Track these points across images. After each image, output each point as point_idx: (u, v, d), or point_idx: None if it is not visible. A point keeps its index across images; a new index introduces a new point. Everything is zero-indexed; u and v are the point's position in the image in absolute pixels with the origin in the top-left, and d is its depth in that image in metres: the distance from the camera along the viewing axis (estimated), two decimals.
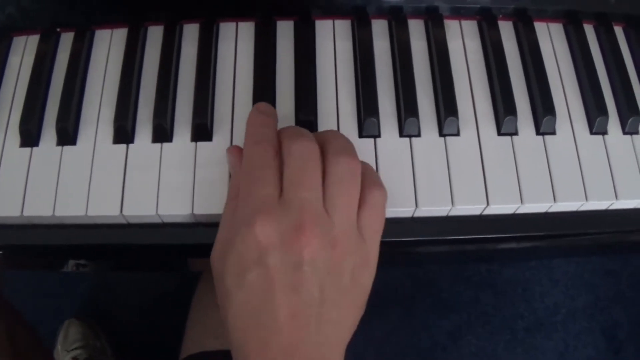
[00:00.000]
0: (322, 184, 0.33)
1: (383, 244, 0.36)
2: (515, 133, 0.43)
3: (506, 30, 0.47)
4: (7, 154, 0.42)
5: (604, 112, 0.43)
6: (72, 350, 1.00)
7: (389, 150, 0.41)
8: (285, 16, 0.46)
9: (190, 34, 0.45)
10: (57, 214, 0.40)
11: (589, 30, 0.47)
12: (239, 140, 0.42)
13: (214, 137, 0.41)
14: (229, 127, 0.42)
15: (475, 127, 0.43)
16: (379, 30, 0.46)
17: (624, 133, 0.44)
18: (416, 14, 0.46)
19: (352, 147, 0.35)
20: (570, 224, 0.43)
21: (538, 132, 0.43)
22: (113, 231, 0.41)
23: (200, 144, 0.41)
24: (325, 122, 0.42)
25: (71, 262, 0.48)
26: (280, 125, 0.38)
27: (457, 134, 0.42)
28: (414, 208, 0.40)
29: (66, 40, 0.46)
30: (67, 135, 0.41)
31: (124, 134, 0.41)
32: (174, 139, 0.42)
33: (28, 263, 0.54)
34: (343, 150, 0.34)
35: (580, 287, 1.19)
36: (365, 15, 0.46)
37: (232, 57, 0.44)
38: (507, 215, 0.42)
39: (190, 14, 0.46)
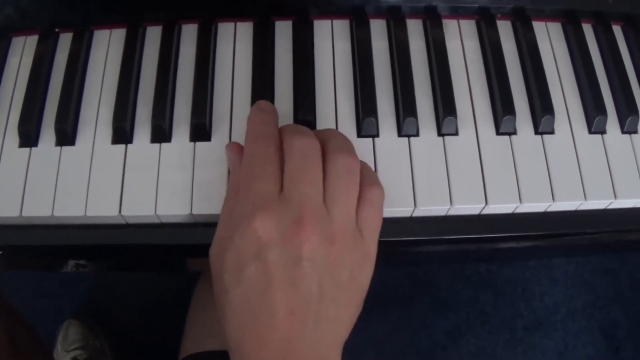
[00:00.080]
0: (322, 181, 0.33)
1: (382, 244, 0.36)
2: (514, 132, 0.43)
3: (505, 30, 0.47)
4: (6, 154, 0.42)
5: (602, 111, 0.43)
6: (72, 350, 0.99)
7: (387, 150, 0.41)
8: (283, 16, 0.46)
9: (189, 34, 0.45)
10: (56, 214, 0.40)
11: (588, 29, 0.48)
12: (237, 140, 0.41)
13: (213, 137, 0.42)
14: (228, 127, 0.42)
15: (473, 126, 0.43)
16: (378, 30, 0.46)
17: (623, 132, 0.44)
18: (414, 14, 0.46)
19: (351, 145, 0.35)
20: (569, 224, 0.43)
21: (537, 132, 0.43)
22: (112, 231, 0.41)
23: (198, 144, 0.41)
24: (324, 122, 0.42)
25: (71, 263, 0.48)
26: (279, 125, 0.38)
27: (456, 134, 0.42)
28: (412, 208, 0.40)
29: (65, 41, 0.46)
30: (66, 136, 0.42)
31: (122, 134, 0.41)
32: (173, 139, 0.42)
33: (27, 263, 0.54)
34: (342, 149, 0.34)
35: (580, 286, 1.19)
36: (363, 15, 0.46)
37: (231, 57, 0.44)
38: (505, 215, 0.42)
39: (188, 14, 0.46)
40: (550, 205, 0.41)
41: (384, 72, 0.44)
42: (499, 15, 0.47)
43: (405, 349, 1.14)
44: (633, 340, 1.16)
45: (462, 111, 0.43)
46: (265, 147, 0.34)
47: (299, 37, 0.45)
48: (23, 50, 0.46)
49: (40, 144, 0.42)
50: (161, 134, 0.41)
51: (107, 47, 0.45)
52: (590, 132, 0.44)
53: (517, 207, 0.41)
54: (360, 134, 0.42)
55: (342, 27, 0.46)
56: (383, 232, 0.36)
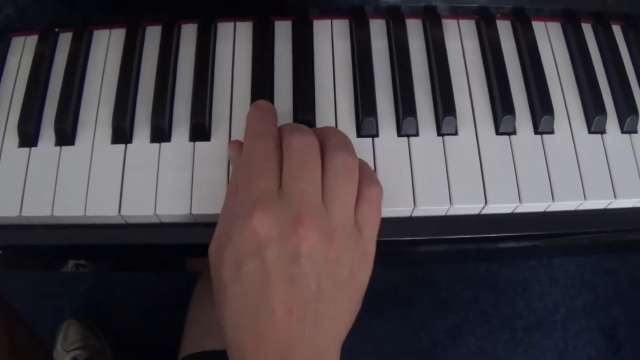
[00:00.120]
0: (321, 179, 0.33)
1: (381, 244, 0.36)
2: (514, 132, 0.43)
3: (504, 30, 0.47)
4: (5, 154, 0.42)
5: (602, 111, 0.43)
6: (72, 350, 0.99)
7: (387, 149, 0.41)
8: (283, 16, 0.46)
9: (188, 34, 0.45)
10: (56, 214, 0.40)
11: (587, 29, 0.48)
12: (243, 134, 0.41)
13: (212, 137, 0.42)
14: (227, 127, 0.42)
15: (473, 126, 0.43)
16: (377, 29, 0.46)
17: (623, 132, 0.44)
18: (414, 14, 0.46)
19: (349, 143, 0.35)
20: (569, 223, 0.43)
21: (536, 132, 0.43)
22: (111, 231, 0.41)
23: (198, 143, 0.41)
24: (324, 122, 0.42)
25: (70, 262, 0.48)
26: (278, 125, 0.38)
27: (455, 134, 0.42)
28: (412, 207, 0.40)
29: (64, 41, 0.46)
30: (66, 136, 0.42)
31: (122, 134, 0.41)
32: (172, 139, 0.42)
33: (27, 263, 0.54)
34: (341, 147, 0.34)
35: (580, 286, 1.19)
36: (363, 15, 0.46)
37: (230, 57, 0.44)
38: (505, 215, 0.42)
39: (188, 14, 0.46)
40: (549, 205, 0.41)
41: (384, 72, 0.44)
42: (498, 15, 0.47)
43: (405, 349, 1.14)
44: (633, 340, 1.16)
45: (461, 111, 0.43)
46: (263, 145, 0.34)
47: (299, 37, 0.45)
48: (23, 50, 0.46)
49: (39, 144, 0.42)
50: (161, 133, 0.41)
51: (107, 47, 0.45)
52: (589, 131, 0.44)
53: (517, 207, 0.41)
54: (359, 134, 0.42)
55: (341, 27, 0.46)
56: (383, 232, 0.36)
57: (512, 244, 0.45)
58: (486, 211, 0.41)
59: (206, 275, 0.67)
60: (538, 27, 0.47)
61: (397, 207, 0.40)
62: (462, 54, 0.45)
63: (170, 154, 0.41)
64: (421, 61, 0.45)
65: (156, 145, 0.41)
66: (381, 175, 0.40)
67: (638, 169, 0.43)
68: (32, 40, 0.46)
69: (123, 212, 0.39)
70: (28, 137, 0.42)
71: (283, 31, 0.45)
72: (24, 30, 0.46)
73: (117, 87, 0.43)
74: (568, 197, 0.41)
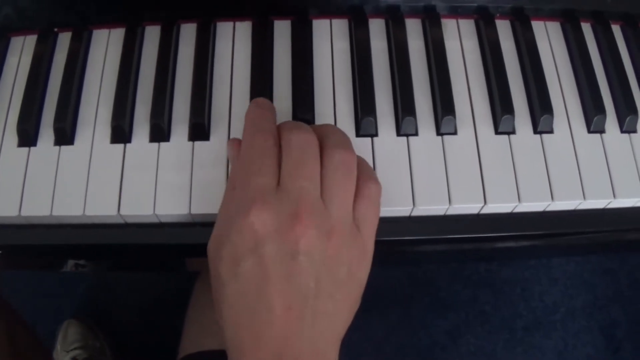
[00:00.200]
0: (320, 176, 0.33)
1: (381, 243, 0.36)
2: (513, 132, 0.43)
3: (503, 29, 0.47)
4: (4, 153, 0.42)
5: (601, 110, 0.43)
6: (72, 350, 0.99)
7: (386, 149, 0.41)
8: (282, 16, 0.46)
9: (188, 33, 0.45)
10: (55, 213, 0.40)
11: (587, 29, 0.48)
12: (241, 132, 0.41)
13: (211, 137, 0.42)
14: (226, 126, 0.42)
15: (472, 126, 0.43)
16: (376, 29, 0.46)
17: (622, 132, 0.44)
18: (413, 13, 0.46)
19: (348, 141, 0.35)
20: (568, 223, 0.43)
21: (535, 131, 0.43)
22: (111, 231, 0.41)
23: (197, 143, 0.41)
24: (323, 121, 0.42)
25: (70, 262, 0.48)
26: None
27: (455, 133, 0.42)
28: (411, 207, 0.40)
29: (64, 40, 0.46)
30: (65, 135, 0.42)
31: (121, 133, 0.41)
32: (172, 138, 0.42)
33: (27, 263, 0.54)
34: (340, 144, 0.34)
35: (579, 286, 1.19)
36: (362, 15, 0.46)
37: (230, 57, 0.44)
38: (504, 214, 0.42)
39: (187, 13, 0.46)
40: (549, 204, 0.41)
41: (383, 72, 0.44)
42: (497, 15, 0.47)
43: (405, 348, 1.14)
44: (632, 340, 1.16)
45: (460, 110, 0.43)
46: (262, 142, 0.34)
47: (298, 36, 0.45)
48: (22, 50, 0.46)
49: (39, 144, 0.42)
50: (160, 133, 0.41)
51: (106, 46, 0.45)
52: (589, 131, 0.44)
53: (516, 206, 0.41)
54: (359, 134, 0.42)
55: (340, 26, 0.46)
56: (382, 232, 0.36)
57: (512, 244, 0.45)
58: (485, 211, 0.41)
59: (205, 275, 0.67)
60: (537, 26, 0.47)
61: (396, 206, 0.40)
62: (462, 53, 0.45)
63: (169, 153, 0.41)
64: (420, 61, 0.45)
65: (155, 144, 0.41)
66: (380, 175, 0.40)
67: (637, 169, 0.43)
68: (31, 40, 0.46)
69: (122, 212, 0.39)
70: (27, 136, 0.42)
71: (282, 31, 0.45)
72: (23, 30, 0.46)
73: (116, 86, 0.43)
74: (567, 197, 0.41)
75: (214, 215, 0.39)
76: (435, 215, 0.41)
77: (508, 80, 0.44)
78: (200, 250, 0.37)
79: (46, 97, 0.44)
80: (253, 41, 0.45)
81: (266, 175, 0.32)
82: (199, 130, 0.41)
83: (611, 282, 1.19)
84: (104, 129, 0.42)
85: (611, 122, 0.44)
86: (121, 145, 0.41)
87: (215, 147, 0.41)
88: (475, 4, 0.46)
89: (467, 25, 0.47)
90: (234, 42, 0.45)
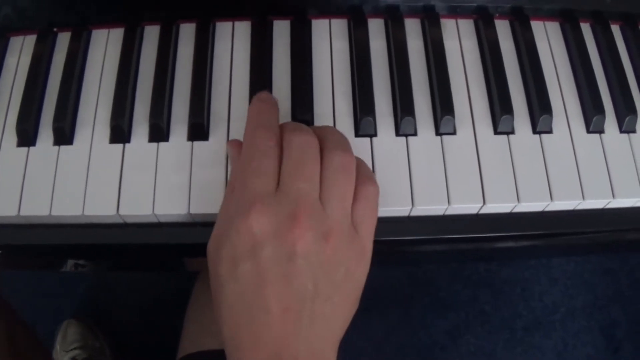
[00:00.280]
0: (319, 178, 0.33)
1: (380, 243, 0.36)
2: (512, 132, 0.43)
3: (503, 29, 0.47)
4: (4, 153, 0.42)
5: (600, 110, 0.43)
6: (71, 350, 0.99)
7: (385, 149, 0.41)
8: (281, 16, 0.46)
9: (187, 33, 0.45)
10: (54, 213, 0.40)
11: (586, 29, 0.47)
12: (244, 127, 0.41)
13: (210, 137, 0.42)
14: (226, 126, 0.42)
15: (471, 126, 0.43)
16: (376, 29, 0.46)
17: (621, 132, 0.44)
18: (413, 13, 0.46)
19: (347, 142, 0.35)
20: (568, 223, 0.43)
21: (535, 131, 0.43)
22: (110, 231, 0.41)
23: (196, 143, 0.41)
24: (322, 121, 0.42)
25: (70, 262, 0.48)
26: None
27: (454, 133, 0.42)
28: (410, 207, 0.40)
29: (63, 40, 0.46)
30: (64, 135, 0.42)
31: (120, 133, 0.41)
32: (171, 138, 0.42)
33: (26, 263, 0.54)
34: (339, 146, 0.34)
35: (579, 286, 1.19)
36: (361, 15, 0.46)
37: (229, 57, 0.44)
38: (504, 214, 0.42)
39: (186, 13, 0.46)
40: (548, 204, 0.41)
41: (382, 72, 0.44)
42: (497, 15, 0.47)
43: (405, 348, 1.14)
44: (632, 340, 1.16)
45: (460, 110, 0.43)
46: (264, 141, 0.34)
47: (297, 36, 0.45)
48: (21, 50, 0.46)
49: (38, 144, 0.42)
50: (159, 133, 0.41)
51: (105, 46, 0.45)
52: (588, 131, 0.44)
53: (515, 206, 0.41)
54: (358, 134, 0.42)
55: (340, 26, 0.46)
56: (381, 232, 0.36)
57: (511, 244, 0.45)
58: (484, 211, 0.41)
59: (205, 275, 0.67)
60: (537, 26, 0.47)
61: (395, 206, 0.40)
62: (461, 53, 0.45)
63: (168, 153, 0.41)
64: (419, 61, 0.45)
65: (154, 144, 0.41)
66: (379, 175, 0.40)
67: (637, 169, 0.43)
68: (30, 40, 0.46)
69: (121, 212, 0.39)
70: (26, 136, 0.42)
71: (281, 31, 0.45)
72: (23, 30, 0.46)
73: (116, 86, 0.43)
74: (566, 197, 0.41)
75: (213, 215, 0.39)
76: (434, 215, 0.41)
77: (507, 80, 0.44)
78: (199, 250, 0.37)
79: (45, 97, 0.44)
80: (252, 41, 0.45)
81: (265, 177, 0.32)
82: (198, 130, 0.41)
83: (611, 282, 1.19)
84: (103, 129, 0.42)
85: (610, 122, 0.44)
86: (120, 145, 0.41)
87: (215, 147, 0.41)
88: (475, 4, 0.46)
89: (467, 25, 0.47)
90: (233, 42, 0.45)
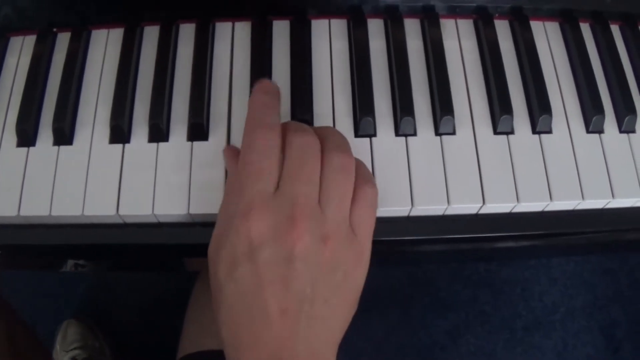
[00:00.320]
0: (318, 180, 0.33)
1: (380, 243, 0.36)
2: (512, 132, 0.43)
3: (502, 29, 0.47)
4: (3, 153, 0.42)
5: (600, 110, 0.43)
6: (71, 350, 0.99)
7: (384, 149, 0.41)
8: (281, 16, 0.46)
9: (187, 34, 0.45)
10: (54, 213, 0.40)
11: (586, 29, 0.47)
12: (235, 140, 0.42)
13: (210, 137, 0.42)
14: (225, 126, 0.42)
15: (471, 126, 0.43)
16: (375, 29, 0.46)
17: (621, 132, 0.44)
18: (412, 13, 0.46)
19: (347, 144, 0.35)
20: (567, 223, 0.43)
21: (534, 131, 0.43)
22: (110, 231, 0.41)
23: (196, 143, 0.41)
24: (321, 121, 0.42)
25: (70, 262, 0.48)
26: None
27: (453, 133, 0.42)
28: (410, 207, 0.40)
29: (63, 41, 0.46)
30: (64, 135, 0.42)
31: (120, 133, 0.41)
32: (170, 138, 0.42)
33: (26, 263, 0.54)
34: (339, 147, 0.34)
35: (579, 286, 1.19)
36: (361, 15, 0.46)
37: (228, 57, 0.44)
38: (503, 214, 0.42)
39: (186, 14, 0.46)
40: (547, 204, 0.41)
41: (382, 72, 0.44)
42: (496, 15, 0.47)
43: (405, 348, 1.14)
44: (632, 340, 1.16)
45: (459, 111, 0.43)
46: (264, 141, 0.33)
47: (297, 36, 0.45)
48: (21, 50, 0.46)
49: (38, 144, 0.42)
50: (159, 133, 0.41)
51: (105, 46, 0.45)
52: (587, 131, 0.44)
53: (515, 206, 0.41)
54: (357, 134, 0.42)
55: (339, 26, 0.46)
56: (381, 232, 0.36)
57: (511, 244, 0.45)
58: (484, 211, 0.41)
59: (205, 275, 0.67)
60: (536, 26, 0.47)
61: (394, 206, 0.40)
62: (460, 53, 0.45)
63: (168, 153, 0.41)
64: (419, 61, 0.45)
65: (154, 144, 0.41)
66: (379, 175, 0.40)
67: (636, 169, 0.43)
68: (30, 40, 0.46)
69: (121, 212, 0.39)
70: (26, 136, 0.42)
71: (281, 31, 0.45)
72: (23, 30, 0.46)
73: (115, 86, 0.43)
74: (566, 197, 0.41)
75: (213, 215, 0.39)
76: (434, 215, 0.41)
77: (507, 81, 0.44)
78: (199, 250, 0.37)
79: (45, 97, 0.44)
80: (252, 41, 0.45)
81: (265, 178, 0.32)
82: (198, 130, 0.41)
83: (611, 282, 1.19)
84: (103, 129, 0.42)
85: (610, 122, 0.44)
86: (120, 146, 0.41)
87: (214, 147, 0.41)
88: (474, 4, 0.46)
89: (466, 25, 0.47)
90: (232, 42, 0.45)
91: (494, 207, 0.41)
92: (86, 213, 0.39)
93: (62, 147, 0.42)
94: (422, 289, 1.17)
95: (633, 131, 0.44)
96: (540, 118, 0.42)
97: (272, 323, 0.30)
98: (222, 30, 0.46)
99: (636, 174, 0.43)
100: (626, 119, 0.43)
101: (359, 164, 0.35)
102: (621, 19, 0.48)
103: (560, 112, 0.44)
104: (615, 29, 0.48)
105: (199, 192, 0.40)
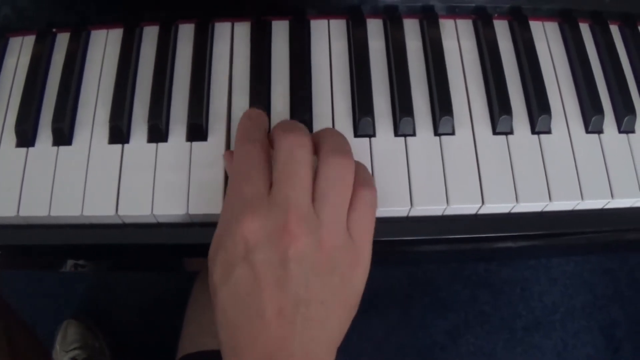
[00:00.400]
0: (314, 182, 0.33)
1: (379, 244, 0.36)
2: (511, 132, 0.43)
3: (501, 29, 0.47)
4: (3, 154, 0.42)
5: (599, 111, 0.43)
6: (71, 350, 1.00)
7: (384, 149, 0.41)
8: (280, 16, 0.46)
9: (186, 34, 0.45)
10: (53, 214, 0.40)
11: (585, 29, 0.47)
12: (234, 140, 0.41)
13: (209, 137, 0.42)
14: (224, 127, 0.42)
15: (470, 126, 0.43)
16: (374, 29, 0.46)
17: (620, 132, 0.44)
18: (411, 13, 0.46)
19: (347, 145, 0.35)
20: (567, 223, 0.43)
21: (533, 131, 0.43)
22: (109, 231, 0.41)
23: (195, 144, 0.41)
24: (321, 121, 0.42)
25: (69, 262, 0.48)
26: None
27: (452, 133, 0.42)
28: (409, 207, 0.40)
29: (62, 41, 0.46)
30: (63, 136, 0.42)
31: (119, 134, 0.41)
32: (169, 139, 0.42)
33: (26, 263, 0.54)
34: (337, 149, 0.34)
35: (579, 286, 1.19)
36: (360, 15, 0.46)
37: (228, 57, 0.44)
38: (502, 215, 0.42)
39: (185, 14, 0.46)
40: (547, 205, 0.41)
41: (381, 72, 0.44)
42: (495, 15, 0.47)
43: (405, 348, 1.14)
44: (632, 339, 1.16)
45: (458, 111, 0.43)
46: (251, 149, 0.34)
47: (296, 36, 0.45)
48: (20, 50, 0.46)
49: (37, 144, 0.42)
50: (158, 133, 0.41)
51: (104, 47, 0.45)
52: (587, 131, 0.43)
53: (514, 206, 0.41)
54: (356, 134, 0.42)
55: (338, 26, 0.46)
56: (380, 232, 0.36)
57: (510, 244, 0.45)
58: (483, 211, 0.41)
59: (204, 275, 0.67)
60: (535, 26, 0.47)
61: (394, 207, 0.40)
62: (460, 53, 0.45)
63: (167, 154, 0.41)
64: (418, 61, 0.45)
65: (153, 145, 0.41)
66: (378, 175, 0.40)
67: (635, 169, 0.43)
68: (29, 41, 0.46)
69: (120, 212, 0.39)
70: (25, 137, 0.42)
71: (280, 31, 0.45)
72: (22, 31, 0.46)
73: (115, 87, 0.43)
74: (565, 197, 0.41)
75: (212, 215, 0.39)
76: (433, 215, 0.41)
77: (506, 81, 0.44)
78: (198, 250, 0.37)
79: (44, 98, 0.44)
80: (251, 41, 0.45)
81: (255, 184, 0.33)
82: (197, 131, 0.41)
83: (611, 282, 1.19)
84: (102, 130, 0.42)
85: (609, 122, 0.44)
86: (119, 146, 0.41)
87: (213, 147, 0.41)
88: (473, 4, 0.46)
89: (465, 26, 0.47)
90: (232, 42, 0.45)
91: (493, 207, 0.41)
92: (85, 213, 0.39)
93: (62, 148, 0.42)
94: (422, 289, 1.17)
95: (632, 131, 0.44)
96: (540, 118, 0.42)
97: (269, 324, 0.30)
98: (222, 30, 0.46)
99: (635, 174, 0.43)
100: (625, 119, 0.43)
101: (358, 166, 0.35)
102: (620, 19, 0.48)
103: (560, 112, 0.44)
104: (614, 29, 0.48)
105: (198, 193, 0.40)
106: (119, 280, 1.15)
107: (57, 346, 1.02)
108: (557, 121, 0.43)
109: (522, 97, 0.44)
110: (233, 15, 0.46)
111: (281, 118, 0.42)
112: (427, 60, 0.45)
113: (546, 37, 0.47)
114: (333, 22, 0.46)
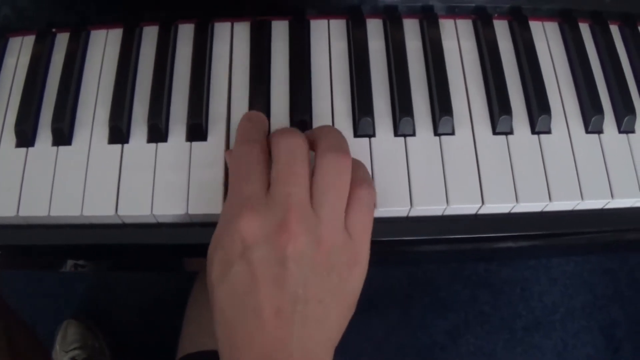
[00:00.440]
0: (311, 180, 0.33)
1: (379, 244, 0.36)
2: (511, 132, 0.43)
3: (501, 29, 0.47)
4: (2, 154, 0.42)
5: (599, 111, 0.43)
6: (71, 350, 1.00)
7: (383, 149, 0.41)
8: (280, 16, 0.46)
9: (186, 34, 0.45)
10: (53, 214, 0.40)
11: (585, 29, 0.47)
12: (234, 140, 0.42)
13: (209, 137, 0.42)
14: (224, 127, 0.42)
15: (470, 126, 0.43)
16: (374, 29, 0.46)
17: (620, 132, 0.44)
18: (411, 13, 0.46)
19: (344, 143, 0.35)
20: (566, 223, 0.43)
21: (533, 131, 0.43)
22: (109, 231, 0.41)
23: (195, 144, 0.41)
24: (320, 121, 0.42)
25: (69, 262, 0.48)
26: (275, 126, 0.39)
27: (452, 133, 0.42)
28: (409, 207, 0.40)
29: (62, 41, 0.46)
30: (63, 136, 0.42)
31: (119, 134, 0.41)
32: (169, 139, 0.42)
33: (26, 263, 0.54)
34: (334, 147, 0.34)
35: (579, 286, 1.19)
36: (360, 15, 0.46)
37: (227, 57, 0.44)
38: (502, 215, 0.42)
39: (185, 14, 0.46)
40: (547, 205, 0.41)
41: (381, 72, 0.44)
42: (495, 15, 0.47)
43: (405, 348, 1.14)
44: (632, 339, 1.16)
45: (458, 111, 0.43)
46: (250, 149, 0.34)
47: (296, 36, 0.45)
48: (20, 51, 0.46)
49: (36, 144, 0.42)
50: (157, 133, 0.41)
51: (104, 47, 0.45)
52: (587, 131, 0.43)
53: (514, 206, 0.41)
54: (356, 134, 0.42)
55: (338, 26, 0.46)
56: (380, 232, 0.36)
57: (510, 244, 0.45)
58: (483, 211, 0.41)
59: (203, 275, 0.67)
60: (535, 26, 0.47)
61: (394, 207, 0.40)
62: (459, 53, 0.45)
63: (167, 154, 0.41)
64: (418, 61, 0.45)
65: (153, 145, 0.41)
66: (378, 175, 0.40)
67: (635, 169, 0.43)
68: (29, 41, 0.46)
69: (120, 212, 0.39)
70: (25, 137, 0.42)
71: (280, 31, 0.45)
72: (22, 31, 0.46)
73: (114, 87, 0.43)
74: (565, 197, 0.41)
75: (212, 215, 0.39)
76: (433, 215, 0.41)
77: (506, 81, 0.44)
78: (198, 250, 0.37)
79: (44, 98, 0.44)
80: (251, 41, 0.45)
81: (253, 183, 0.33)
82: (197, 131, 0.41)
83: (611, 282, 1.19)
84: (102, 130, 0.42)
85: (609, 122, 0.44)
86: (119, 146, 0.41)
87: (213, 147, 0.41)
88: (473, 4, 0.46)
89: (465, 26, 0.47)
90: (232, 42, 0.45)
91: (493, 207, 0.41)
92: (85, 213, 0.39)
93: (61, 148, 0.42)
94: (422, 289, 1.17)
95: (632, 131, 0.44)
96: (540, 118, 0.42)
97: (266, 323, 0.30)
98: (221, 30, 0.46)
99: (635, 174, 0.43)
100: (625, 119, 0.43)
101: (357, 165, 0.35)
102: (620, 19, 0.48)
103: (560, 112, 0.44)
104: (614, 29, 0.48)
105: (198, 192, 0.40)
106: (119, 280, 1.15)
107: (57, 346, 1.02)
108: (557, 121, 0.43)
109: (522, 97, 0.44)
110: (233, 15, 0.46)
111: (281, 118, 0.42)
112: (427, 60, 0.45)
113: (546, 37, 0.47)
114: (333, 22, 0.46)
